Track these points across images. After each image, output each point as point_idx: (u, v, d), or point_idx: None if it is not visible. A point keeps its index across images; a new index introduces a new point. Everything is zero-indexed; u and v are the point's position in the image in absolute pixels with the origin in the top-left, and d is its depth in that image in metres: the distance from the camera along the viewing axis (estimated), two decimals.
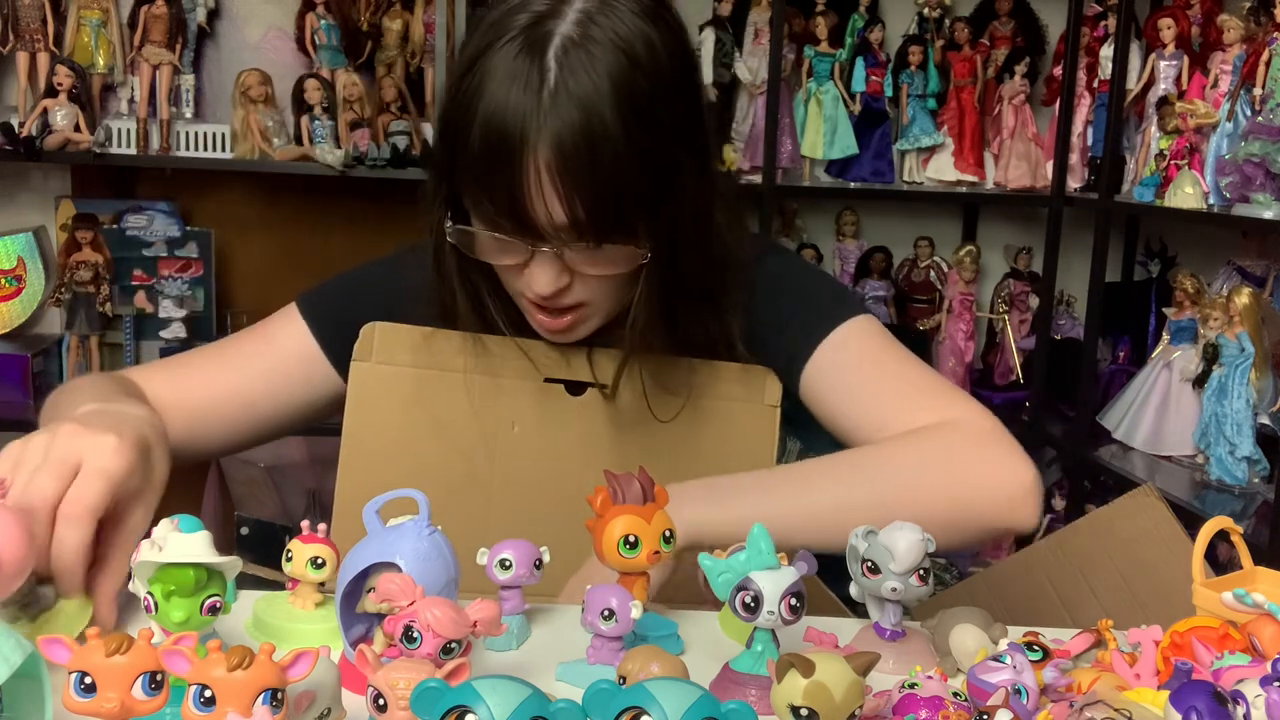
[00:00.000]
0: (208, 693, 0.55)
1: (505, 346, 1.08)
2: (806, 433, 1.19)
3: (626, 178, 0.93)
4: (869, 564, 0.80)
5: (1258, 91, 1.91)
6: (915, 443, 1.01)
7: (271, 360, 1.13)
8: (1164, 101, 2.16)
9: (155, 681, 0.57)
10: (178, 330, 2.32)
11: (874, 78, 2.48)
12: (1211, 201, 2.01)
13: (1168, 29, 2.22)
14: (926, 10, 2.52)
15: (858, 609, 0.89)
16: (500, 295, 1.07)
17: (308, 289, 1.17)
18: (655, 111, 0.94)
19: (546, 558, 0.85)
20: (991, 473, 1.00)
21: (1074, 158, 2.48)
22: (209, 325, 2.37)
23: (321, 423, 1.18)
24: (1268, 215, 1.85)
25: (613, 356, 1.08)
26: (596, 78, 0.91)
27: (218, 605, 0.70)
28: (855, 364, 1.09)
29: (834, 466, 1.04)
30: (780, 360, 1.11)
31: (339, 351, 1.10)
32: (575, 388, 1.09)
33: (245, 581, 0.81)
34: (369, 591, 0.73)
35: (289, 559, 0.82)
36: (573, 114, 0.90)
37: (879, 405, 1.06)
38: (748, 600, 0.72)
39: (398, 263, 1.17)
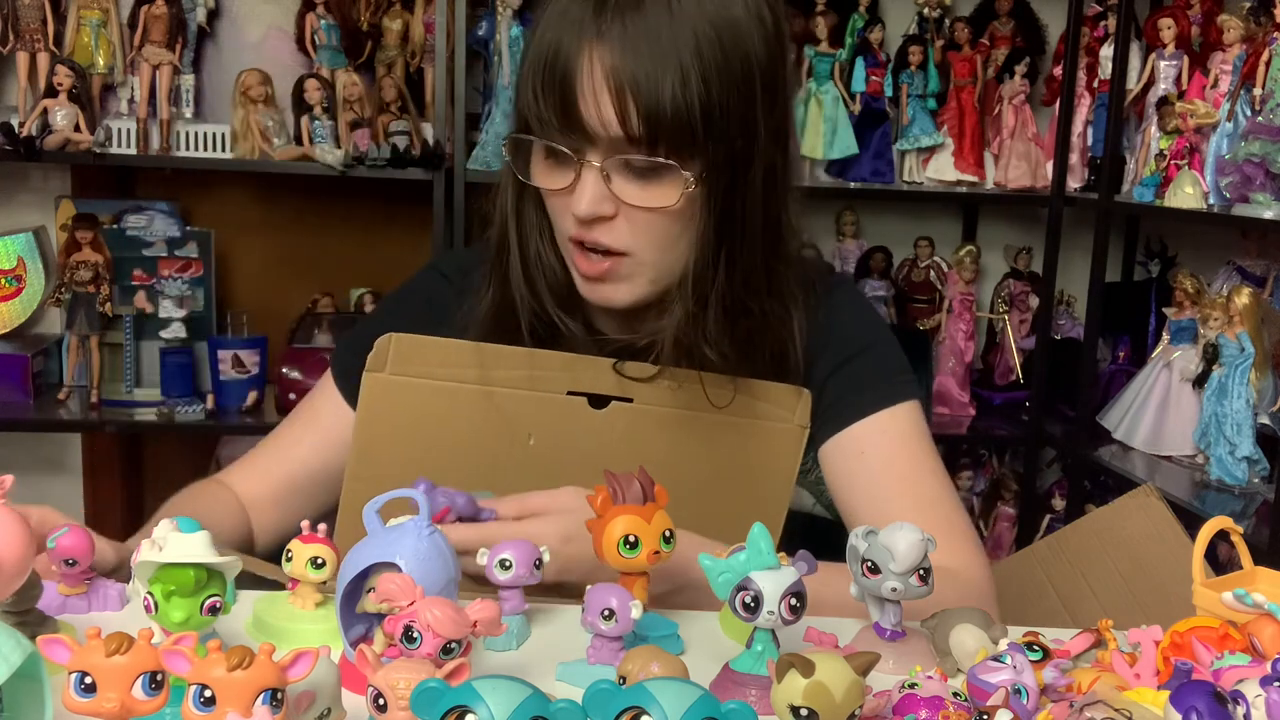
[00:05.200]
0: (208, 693, 0.55)
1: (524, 359, 1.05)
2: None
3: (682, 89, 0.93)
4: (869, 564, 0.80)
5: (1258, 91, 1.91)
6: None
7: (319, 434, 1.17)
8: (1164, 101, 2.16)
9: (155, 681, 0.57)
10: (178, 330, 2.31)
11: (874, 78, 2.47)
12: (1211, 201, 2.01)
13: (1168, 29, 2.22)
14: (926, 10, 2.52)
15: None
16: (552, 277, 1.05)
17: (337, 344, 1.18)
18: (730, 35, 0.95)
19: (546, 557, 0.85)
20: None
21: (1074, 158, 2.47)
22: (209, 325, 2.36)
23: None
24: (1268, 215, 1.85)
25: (643, 370, 1.05)
26: None
27: (218, 605, 0.70)
28: (882, 465, 1.09)
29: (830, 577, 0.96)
30: (814, 411, 1.09)
31: None
32: (598, 401, 1.05)
33: (244, 581, 0.81)
34: (369, 591, 0.73)
35: (289, 559, 0.82)
36: (636, 16, 0.93)
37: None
38: (748, 600, 0.72)
39: (413, 287, 1.19)
